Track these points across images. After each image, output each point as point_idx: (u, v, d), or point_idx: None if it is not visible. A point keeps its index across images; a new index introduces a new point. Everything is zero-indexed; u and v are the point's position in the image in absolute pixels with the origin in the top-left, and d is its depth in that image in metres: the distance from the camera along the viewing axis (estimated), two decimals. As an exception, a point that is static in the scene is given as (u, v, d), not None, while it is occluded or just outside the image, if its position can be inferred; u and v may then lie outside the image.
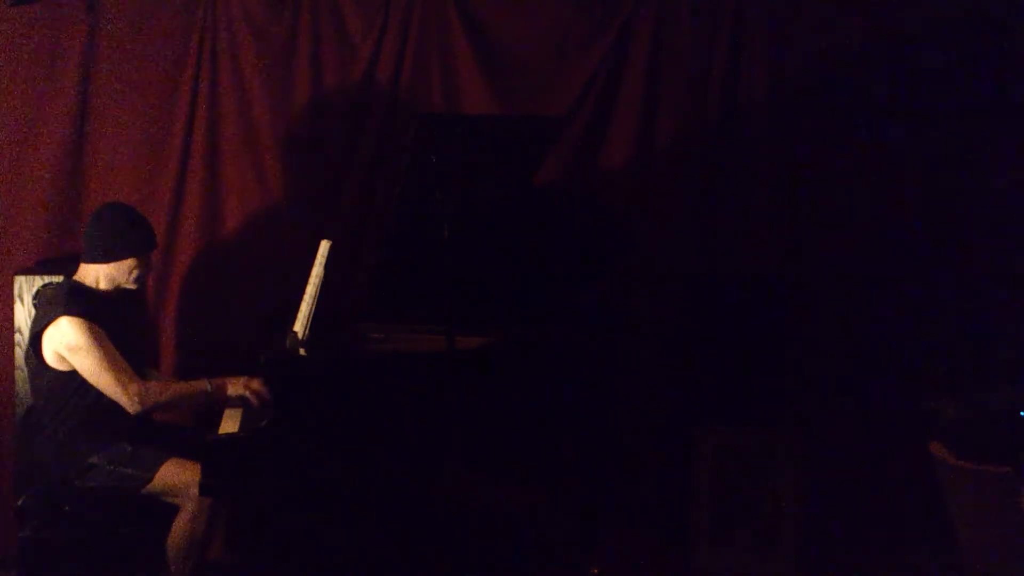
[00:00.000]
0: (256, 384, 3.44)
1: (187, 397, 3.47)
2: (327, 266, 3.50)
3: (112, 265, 3.45)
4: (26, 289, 3.83)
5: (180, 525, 3.38)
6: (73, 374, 3.36)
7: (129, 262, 3.46)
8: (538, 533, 4.22)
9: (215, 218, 4.26)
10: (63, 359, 3.35)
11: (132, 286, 3.51)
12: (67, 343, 3.31)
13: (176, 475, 3.35)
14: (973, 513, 3.37)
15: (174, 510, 3.39)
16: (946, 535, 3.57)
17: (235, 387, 3.46)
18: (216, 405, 3.54)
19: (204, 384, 3.44)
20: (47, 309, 3.38)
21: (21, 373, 3.80)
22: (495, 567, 4.08)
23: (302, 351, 3.42)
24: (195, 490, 3.24)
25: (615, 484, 4.33)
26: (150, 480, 3.36)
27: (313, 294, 3.48)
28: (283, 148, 4.24)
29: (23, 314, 3.82)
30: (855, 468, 4.29)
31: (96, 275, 3.46)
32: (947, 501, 3.43)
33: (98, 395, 3.37)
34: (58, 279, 3.74)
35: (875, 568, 4.13)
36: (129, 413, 3.35)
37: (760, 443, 4.10)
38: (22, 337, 3.82)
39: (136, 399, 3.32)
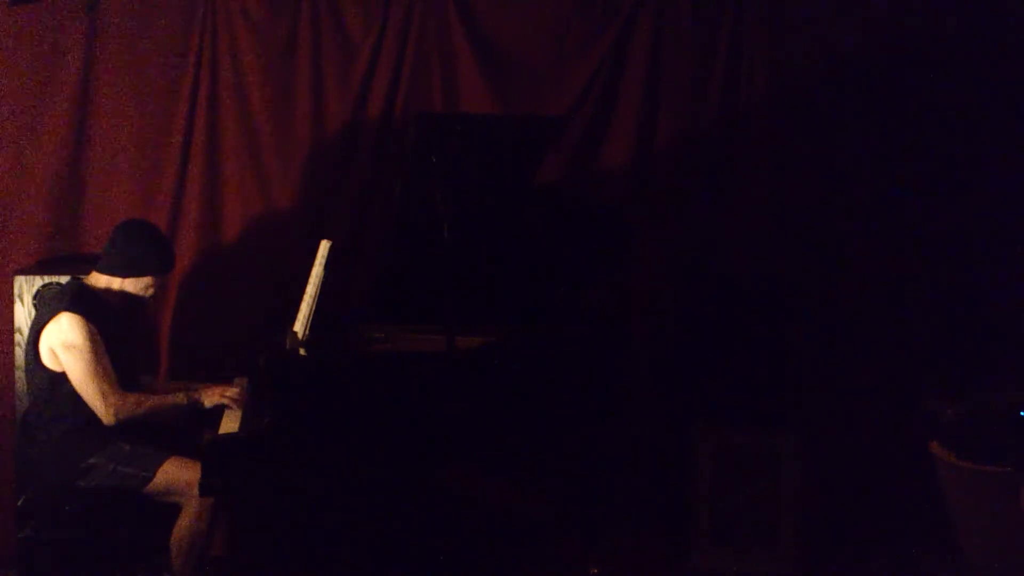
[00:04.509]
0: (232, 392, 3.49)
1: (163, 410, 3.47)
2: (327, 266, 3.50)
3: (128, 280, 3.47)
4: (26, 289, 3.83)
5: (183, 524, 3.38)
6: (66, 376, 3.36)
7: (145, 280, 3.49)
8: (538, 533, 4.22)
9: (215, 218, 4.26)
10: (57, 357, 3.35)
11: (143, 296, 3.53)
12: (63, 340, 3.31)
13: (177, 474, 3.36)
14: (973, 513, 3.37)
15: (175, 509, 3.39)
16: (946, 535, 3.57)
17: (210, 398, 3.49)
18: (197, 414, 3.54)
19: (181, 397, 3.47)
20: (49, 306, 3.39)
21: (21, 373, 3.80)
22: (495, 567, 4.09)
23: (302, 351, 3.42)
24: (196, 489, 3.24)
25: (615, 484, 4.34)
26: (151, 479, 3.36)
27: (313, 294, 3.48)
28: (283, 148, 4.24)
29: (23, 314, 3.82)
30: (855, 468, 4.29)
31: (108, 283, 3.47)
32: (947, 501, 3.43)
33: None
34: (58, 279, 3.75)
35: (875, 568, 4.13)
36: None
37: (760, 443, 4.10)
38: (22, 337, 3.82)
39: (112, 411, 3.34)
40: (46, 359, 3.38)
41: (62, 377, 3.37)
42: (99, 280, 3.48)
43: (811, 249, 4.31)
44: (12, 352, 3.92)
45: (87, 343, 3.31)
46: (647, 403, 4.34)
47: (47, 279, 3.81)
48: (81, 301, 3.37)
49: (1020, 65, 4.19)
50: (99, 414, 3.35)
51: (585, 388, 3.63)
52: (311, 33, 4.23)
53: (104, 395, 3.33)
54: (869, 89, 4.27)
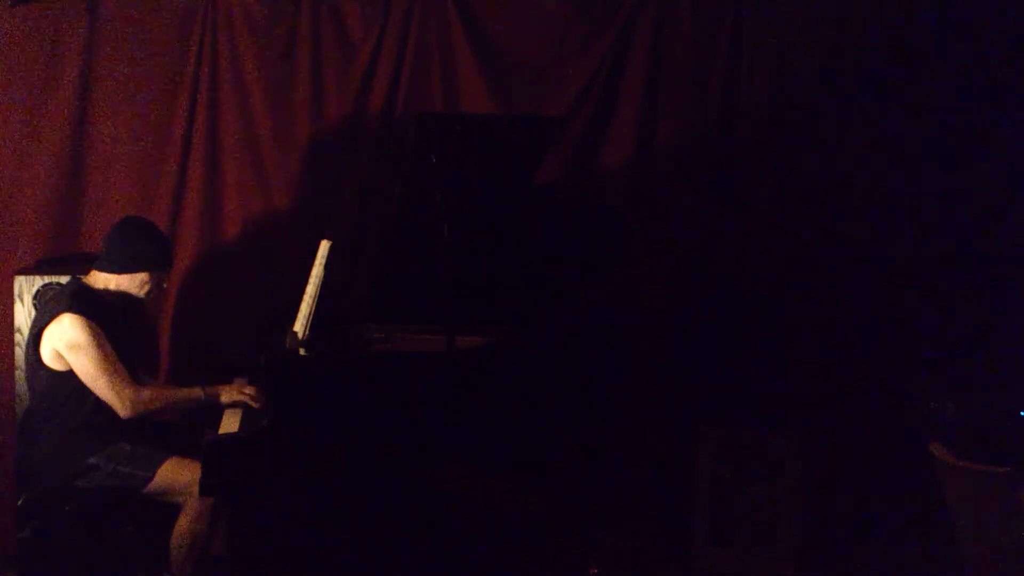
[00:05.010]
0: (250, 389, 3.47)
1: (180, 403, 3.48)
2: (327, 266, 3.50)
3: (125, 277, 3.46)
4: (26, 289, 3.83)
5: (183, 524, 3.38)
6: (69, 375, 3.36)
7: (141, 276, 3.48)
8: (538, 533, 4.22)
9: (215, 218, 4.26)
10: (60, 358, 3.35)
11: (141, 295, 3.52)
12: (67, 340, 3.31)
13: (177, 474, 3.36)
14: (973, 513, 3.37)
15: (175, 509, 3.39)
16: (946, 535, 3.57)
17: (229, 395, 3.49)
18: (211, 409, 3.55)
19: (198, 392, 3.46)
20: (50, 306, 3.39)
21: (21, 373, 3.80)
22: (495, 567, 4.08)
23: (302, 351, 3.42)
24: (196, 489, 3.25)
25: (615, 483, 4.34)
26: (151, 479, 3.36)
27: (313, 294, 3.48)
28: (283, 148, 4.24)
29: (23, 314, 3.82)
30: (855, 468, 4.29)
31: (106, 282, 3.47)
32: (947, 501, 3.43)
33: (96, 397, 3.37)
34: (58, 279, 3.76)
35: (875, 568, 4.13)
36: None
37: (761, 442, 4.10)
38: (22, 337, 3.82)
39: (129, 404, 3.33)
40: (48, 359, 3.38)
41: (65, 376, 3.37)
42: (97, 279, 3.48)
43: (811, 249, 4.31)
44: (12, 352, 3.92)
45: (92, 341, 3.31)
46: (647, 403, 4.34)
47: (47, 279, 3.81)
48: (81, 300, 3.37)
49: (1021, 64, 4.19)
50: (116, 408, 3.34)
51: (585, 388, 3.63)
52: (311, 33, 4.23)
53: (119, 390, 3.33)
54: (869, 89, 4.26)
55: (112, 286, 3.47)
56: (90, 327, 3.32)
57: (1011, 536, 3.22)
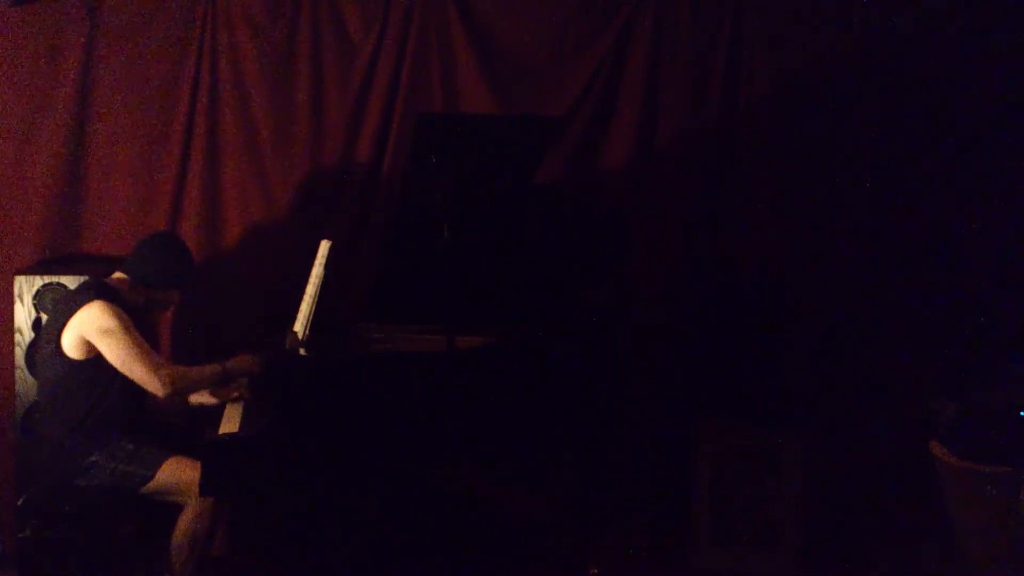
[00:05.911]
0: (258, 360, 3.49)
1: (209, 378, 3.48)
2: (327, 266, 3.50)
3: (156, 289, 3.54)
4: (26, 289, 3.83)
5: (183, 524, 3.39)
6: (85, 365, 3.37)
7: (173, 292, 3.59)
8: (538, 533, 4.22)
9: (215, 218, 4.26)
10: (83, 345, 3.36)
11: (158, 303, 3.60)
12: (99, 326, 3.33)
13: (177, 473, 3.36)
14: (973, 513, 3.37)
15: (175, 509, 3.40)
16: (946, 535, 3.57)
17: (241, 363, 3.49)
18: (237, 379, 3.57)
19: (217, 367, 3.47)
20: (75, 298, 3.41)
21: (21, 373, 3.80)
22: (495, 567, 4.09)
23: (302, 351, 3.42)
24: (196, 489, 3.25)
25: (615, 484, 4.34)
26: (151, 478, 3.36)
27: (313, 294, 3.48)
28: (283, 148, 4.24)
29: (23, 314, 3.83)
30: (856, 468, 4.29)
31: (133, 287, 3.52)
32: (947, 501, 3.43)
33: (104, 391, 3.39)
34: (58, 279, 3.77)
35: (875, 568, 4.13)
36: (153, 401, 3.41)
37: (761, 443, 4.10)
38: (22, 337, 3.82)
39: (168, 382, 3.34)
40: (70, 347, 3.38)
41: (80, 366, 3.38)
42: (123, 281, 3.51)
43: (811, 249, 4.31)
44: (12, 352, 3.92)
45: (122, 325, 3.34)
46: (647, 403, 4.33)
47: (47, 279, 3.81)
48: (107, 293, 3.41)
49: (1020, 64, 4.19)
50: (153, 389, 3.35)
51: (585, 388, 3.63)
52: (311, 33, 4.23)
53: (156, 367, 3.35)
54: (869, 89, 4.26)
55: (140, 290, 3.52)
56: (120, 313, 3.36)
57: (1011, 536, 3.23)
